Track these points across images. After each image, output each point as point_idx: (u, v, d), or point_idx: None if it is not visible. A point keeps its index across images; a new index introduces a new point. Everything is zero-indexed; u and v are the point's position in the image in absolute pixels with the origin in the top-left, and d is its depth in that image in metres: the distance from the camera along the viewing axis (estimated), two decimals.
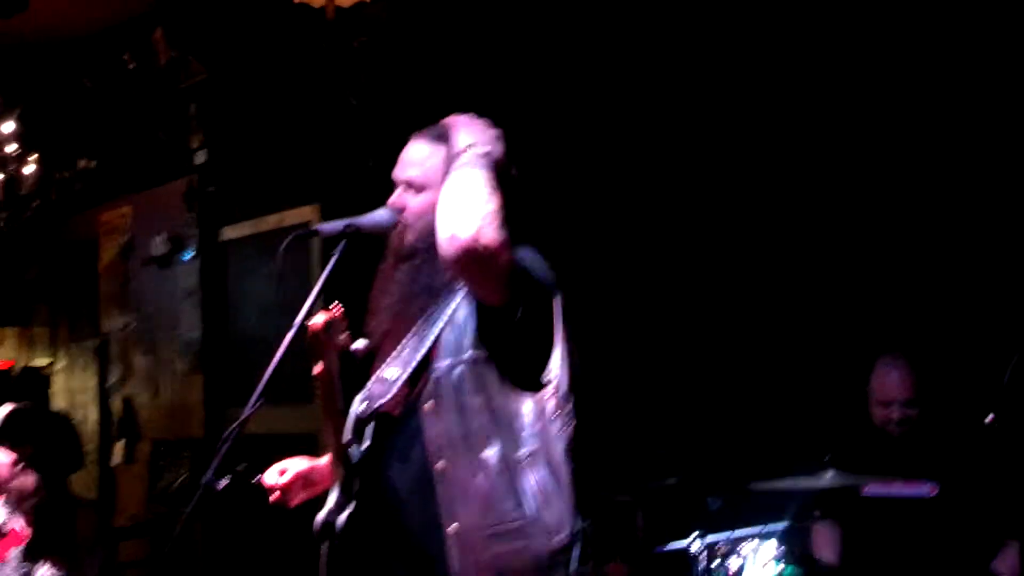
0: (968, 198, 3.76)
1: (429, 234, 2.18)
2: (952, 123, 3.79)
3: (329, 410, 2.24)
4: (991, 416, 2.49)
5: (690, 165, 4.37)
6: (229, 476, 2.04)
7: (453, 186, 2.12)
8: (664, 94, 4.39)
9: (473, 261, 2.04)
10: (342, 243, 2.26)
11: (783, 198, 4.17)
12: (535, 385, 2.16)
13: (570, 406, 2.18)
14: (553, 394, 2.16)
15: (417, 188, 2.30)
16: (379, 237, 2.33)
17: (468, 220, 2.03)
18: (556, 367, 2.18)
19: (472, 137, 2.21)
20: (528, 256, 2.19)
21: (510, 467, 2.12)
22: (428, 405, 2.16)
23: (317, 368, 2.16)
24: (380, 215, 2.31)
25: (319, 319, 2.12)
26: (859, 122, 3.99)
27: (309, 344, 2.13)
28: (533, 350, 2.17)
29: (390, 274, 2.32)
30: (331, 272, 2.23)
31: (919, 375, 3.53)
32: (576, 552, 2.14)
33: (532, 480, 2.11)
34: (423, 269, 2.25)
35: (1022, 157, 3.62)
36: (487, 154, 2.17)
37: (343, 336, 2.14)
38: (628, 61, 4.43)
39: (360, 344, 2.15)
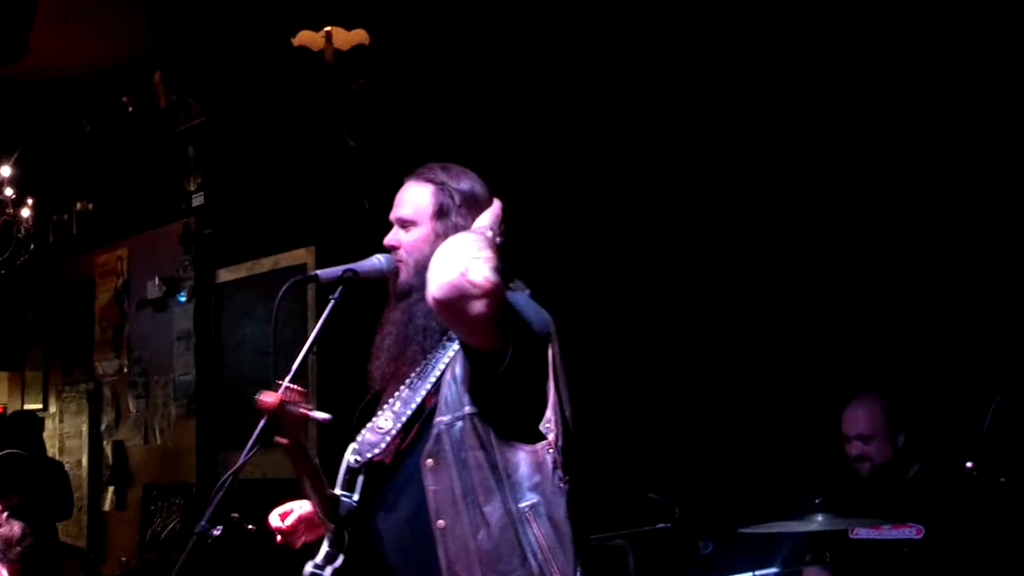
0: (955, 236, 3.77)
1: (422, 271, 2.18)
2: (927, 159, 3.81)
3: (304, 472, 2.18)
4: (970, 464, 2.47)
5: (669, 209, 4.40)
6: (222, 525, 2.03)
7: (449, 240, 2.12)
8: (651, 121, 4.43)
9: (461, 298, 1.99)
10: (339, 288, 2.26)
11: (776, 239, 4.17)
12: (534, 436, 2.12)
13: (562, 457, 2.13)
14: (551, 444, 2.12)
15: (409, 225, 2.32)
16: (377, 282, 2.33)
17: (458, 260, 2.02)
18: (553, 415, 2.14)
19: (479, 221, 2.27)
20: (522, 300, 2.19)
21: (512, 522, 2.09)
22: (429, 462, 2.12)
23: (282, 440, 2.08)
24: (378, 261, 2.32)
25: (271, 398, 2.03)
26: (836, 157, 4.02)
27: (268, 419, 2.04)
28: (529, 399, 2.14)
29: (389, 317, 2.33)
30: (328, 317, 2.24)
31: (887, 414, 3.52)
32: None
33: (534, 534, 2.08)
34: (418, 308, 2.24)
35: (1002, 197, 3.64)
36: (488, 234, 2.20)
37: (302, 408, 2.06)
38: (617, 91, 4.47)
39: (321, 415, 2.08)
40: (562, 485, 2.11)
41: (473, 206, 2.30)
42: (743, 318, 4.23)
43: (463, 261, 2.01)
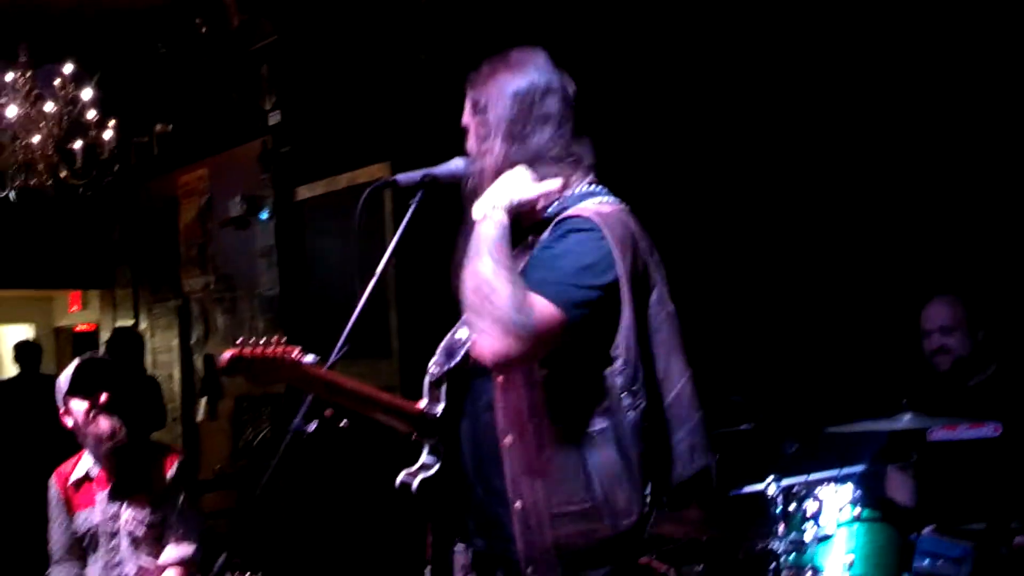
0: None
1: (479, 170, 2.19)
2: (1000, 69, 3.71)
3: (369, 409, 2.14)
4: None
5: (749, 109, 4.35)
6: (317, 421, 2.04)
7: (469, 281, 2.03)
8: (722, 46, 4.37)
9: (519, 358, 1.98)
10: (419, 193, 2.23)
11: (858, 139, 4.12)
12: (604, 360, 2.07)
13: (638, 385, 2.07)
14: (622, 369, 2.07)
15: (478, 109, 2.24)
16: (456, 187, 2.30)
17: (496, 334, 1.95)
18: (624, 340, 2.08)
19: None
20: (570, 267, 2.05)
21: (577, 446, 2.05)
22: (499, 380, 2.09)
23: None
24: (456, 164, 2.27)
25: (226, 354, 1.93)
26: (909, 71, 3.94)
27: (229, 375, 1.98)
28: (602, 323, 2.08)
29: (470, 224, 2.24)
30: (408, 223, 2.21)
31: (967, 309, 3.53)
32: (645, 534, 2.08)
33: (600, 460, 2.04)
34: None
35: None
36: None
37: (298, 359, 1.98)
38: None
39: (309, 357, 2.00)
40: (632, 412, 2.05)
41: (510, 95, 2.19)
42: (826, 215, 4.20)
43: (501, 335, 1.95)
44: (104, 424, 3.41)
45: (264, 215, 6.60)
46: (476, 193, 2.21)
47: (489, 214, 2.06)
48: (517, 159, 2.17)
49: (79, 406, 3.42)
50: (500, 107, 2.20)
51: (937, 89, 3.93)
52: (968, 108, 3.86)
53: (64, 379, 3.45)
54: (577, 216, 2.12)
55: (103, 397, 3.41)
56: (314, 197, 6.32)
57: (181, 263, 7.50)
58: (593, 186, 2.22)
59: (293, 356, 1.86)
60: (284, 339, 1.88)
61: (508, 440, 2.07)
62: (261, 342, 1.86)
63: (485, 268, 2.00)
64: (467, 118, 2.28)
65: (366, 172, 5.78)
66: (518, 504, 2.05)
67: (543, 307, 1.98)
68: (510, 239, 2.04)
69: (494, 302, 1.96)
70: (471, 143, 2.27)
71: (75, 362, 3.49)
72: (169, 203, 7.56)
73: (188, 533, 3.47)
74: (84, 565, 3.50)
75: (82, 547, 3.50)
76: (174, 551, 3.43)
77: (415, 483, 2.13)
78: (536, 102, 2.19)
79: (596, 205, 2.15)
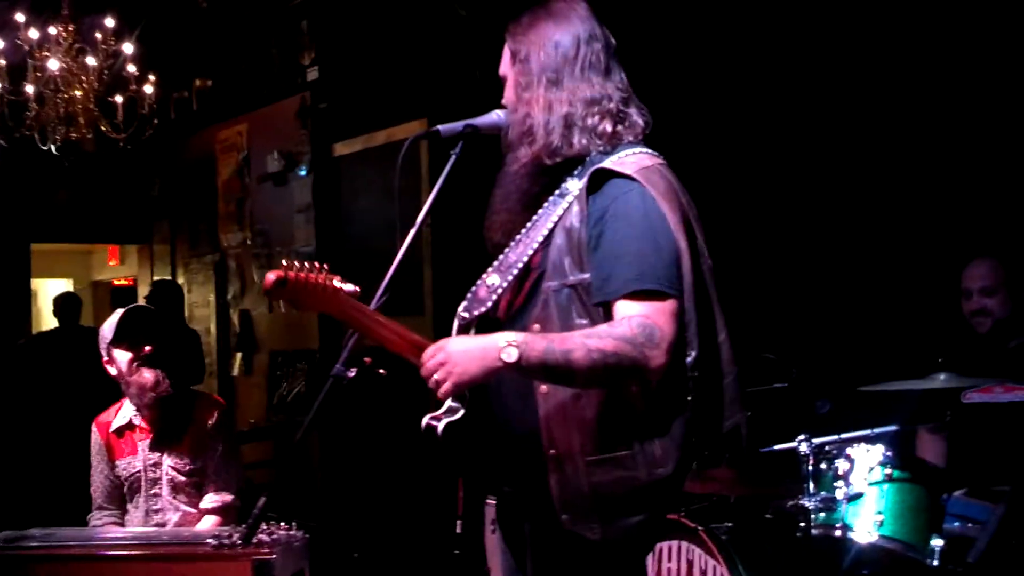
0: None
1: (515, 121, 2.20)
2: None
3: (402, 349, 2.13)
4: None
5: (790, 66, 4.31)
6: (356, 368, 2.05)
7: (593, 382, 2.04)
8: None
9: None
10: (459, 144, 2.24)
11: (899, 100, 4.08)
12: None
13: (691, 333, 2.06)
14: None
15: (518, 59, 2.24)
16: (493, 140, 2.31)
17: (649, 368, 1.98)
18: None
19: None
20: (649, 260, 2.04)
21: (614, 394, 2.04)
22: (535, 327, 2.09)
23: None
24: (497, 115, 2.28)
25: (272, 275, 1.92)
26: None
27: (278, 296, 1.95)
28: None
29: (505, 170, 2.28)
30: (448, 174, 2.22)
31: (1008, 271, 3.52)
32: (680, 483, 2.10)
33: (640, 408, 2.04)
34: (529, 160, 2.19)
35: None
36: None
37: (322, 279, 1.95)
38: None
39: (349, 286, 1.99)
40: (679, 362, 2.05)
41: (552, 44, 2.19)
42: (867, 172, 4.16)
43: (641, 362, 1.98)
44: (147, 375, 3.47)
45: (302, 171, 6.63)
46: (513, 144, 2.23)
47: (508, 354, 1.99)
48: (560, 108, 2.17)
49: (123, 356, 3.48)
50: (542, 56, 2.20)
51: (977, 50, 3.88)
52: (1011, 69, 3.81)
53: (108, 328, 3.50)
54: (617, 173, 2.11)
55: (147, 348, 3.47)
56: (352, 153, 6.35)
57: (219, 219, 7.56)
58: (627, 139, 2.21)
59: (334, 284, 1.88)
60: (327, 267, 1.89)
61: (544, 388, 2.08)
62: (306, 266, 1.87)
63: (583, 364, 1.97)
64: (505, 68, 2.29)
65: (404, 129, 5.79)
66: (553, 451, 2.06)
67: (657, 310, 1.99)
68: (543, 344, 2.00)
69: (621, 365, 1.97)
70: (509, 94, 2.27)
71: (119, 312, 3.54)
72: (207, 158, 7.62)
73: (228, 480, 3.54)
74: (124, 510, 3.58)
75: (122, 493, 3.57)
76: (214, 497, 3.50)
77: (440, 426, 2.13)
78: (579, 51, 2.19)
79: (635, 158, 2.15)
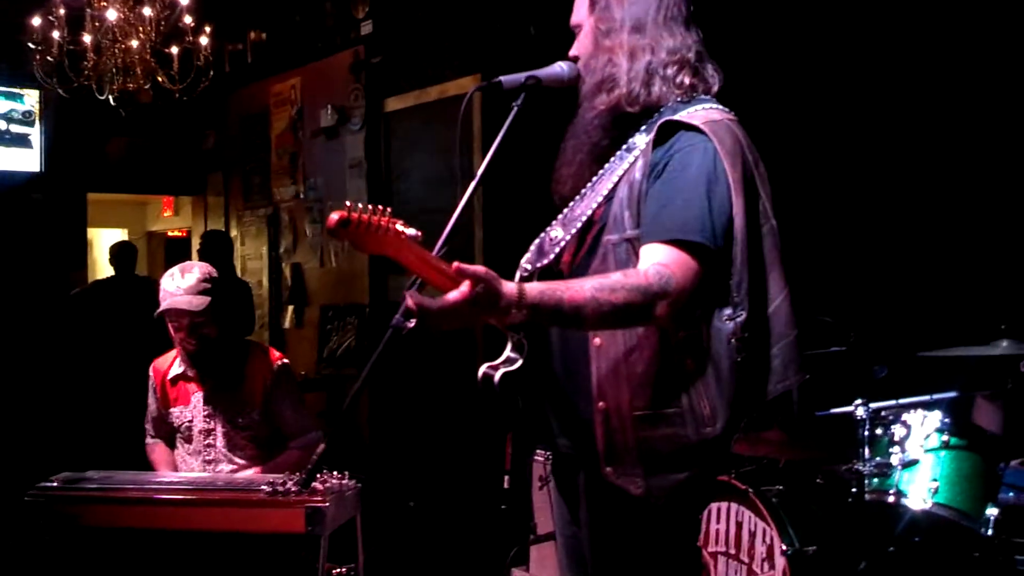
0: None
1: (592, 71, 2.17)
2: None
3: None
4: None
5: (867, 41, 4.23)
6: (416, 319, 2.04)
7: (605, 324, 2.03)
8: None
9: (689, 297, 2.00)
10: (522, 96, 2.20)
11: (968, 68, 3.99)
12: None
13: (741, 295, 2.05)
14: (728, 277, 2.04)
15: (577, 29, 2.25)
16: (558, 91, 2.28)
17: (656, 315, 1.97)
18: (733, 248, 2.05)
19: None
20: (695, 209, 2.02)
21: (667, 350, 2.04)
22: None
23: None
24: (560, 67, 2.25)
25: (336, 214, 1.85)
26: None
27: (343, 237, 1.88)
28: None
29: (573, 123, 2.26)
30: (510, 125, 2.17)
31: None
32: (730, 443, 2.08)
33: (690, 366, 2.04)
34: (595, 113, 2.18)
35: None
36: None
37: (383, 222, 1.88)
38: None
39: (411, 231, 1.92)
40: (730, 322, 2.04)
41: None
42: (932, 134, 4.09)
43: (648, 308, 1.96)
44: (186, 357, 3.53)
45: (354, 126, 6.63)
46: (589, 93, 2.20)
47: (518, 309, 1.94)
48: (643, 56, 2.16)
49: (171, 329, 3.53)
50: (626, 2, 2.19)
51: None
52: None
53: (162, 298, 3.51)
54: (685, 125, 2.09)
55: (188, 338, 3.50)
56: (404, 109, 6.33)
57: (272, 172, 7.60)
58: (701, 94, 2.18)
59: (397, 228, 1.87)
60: (390, 211, 1.88)
61: (598, 341, 2.08)
62: (369, 208, 1.87)
63: (592, 315, 1.95)
64: (580, 16, 2.26)
65: (456, 84, 5.77)
66: (602, 404, 2.06)
67: (681, 262, 1.98)
68: (553, 294, 1.96)
69: (629, 313, 1.96)
70: (585, 42, 2.24)
71: (171, 287, 3.53)
72: (261, 112, 7.64)
73: (306, 425, 3.61)
74: (173, 447, 3.66)
75: (173, 434, 3.63)
76: (294, 442, 3.58)
77: (497, 376, 2.12)
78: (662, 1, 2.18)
79: (705, 112, 2.13)
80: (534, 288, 1.94)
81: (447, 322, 1.91)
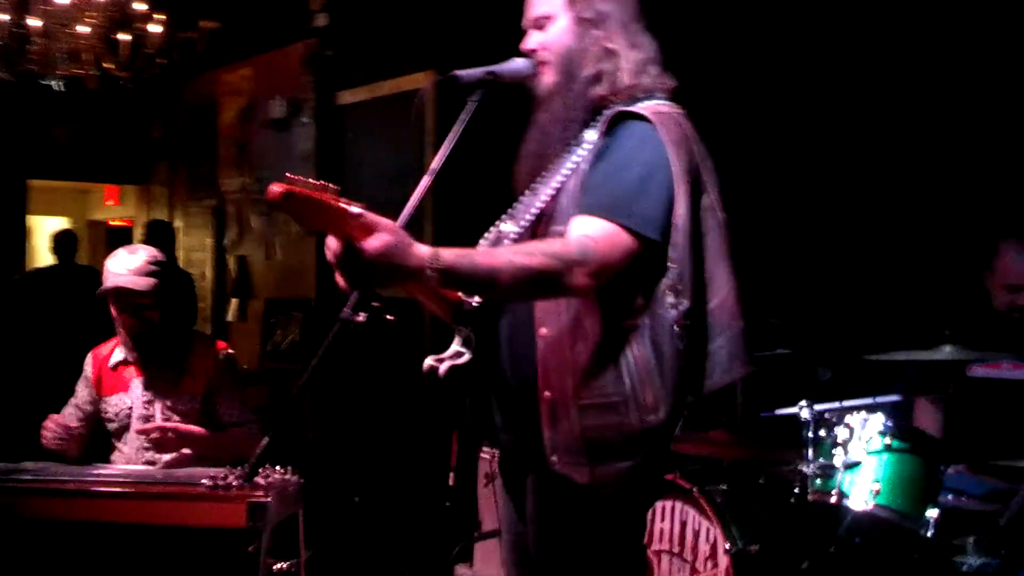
0: None
1: (570, 65, 2.17)
2: None
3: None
4: None
5: (814, 37, 4.27)
6: (366, 313, 1.99)
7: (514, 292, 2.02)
8: None
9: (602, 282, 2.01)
10: (479, 92, 2.17)
11: (906, 70, 4.05)
12: (651, 258, 2.05)
13: (684, 284, 2.07)
14: (669, 268, 2.06)
15: (544, 22, 2.23)
16: (512, 87, 2.27)
17: (571, 284, 1.97)
18: (674, 239, 2.06)
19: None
20: (630, 193, 2.04)
21: (612, 340, 2.05)
22: None
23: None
24: (519, 63, 2.24)
25: (279, 187, 1.79)
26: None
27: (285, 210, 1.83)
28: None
29: (534, 120, 2.26)
30: (466, 122, 2.14)
31: None
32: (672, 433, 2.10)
33: (633, 355, 2.05)
34: (562, 106, 2.18)
35: None
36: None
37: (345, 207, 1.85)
38: None
39: (356, 209, 1.87)
40: (672, 311, 2.06)
41: None
42: (879, 139, 4.14)
43: (561, 276, 1.96)
44: (129, 340, 3.46)
45: (305, 118, 6.57)
46: (558, 87, 2.20)
47: (432, 269, 1.90)
48: (638, 50, 2.18)
49: (113, 311, 3.46)
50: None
51: (994, 23, 3.84)
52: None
53: (104, 278, 3.45)
54: (632, 115, 2.11)
55: (132, 322, 3.44)
56: (356, 103, 6.29)
57: (219, 163, 7.51)
58: (655, 93, 2.19)
59: (340, 204, 1.84)
60: (336, 187, 1.85)
61: (544, 331, 2.09)
62: (311, 182, 1.84)
63: (507, 279, 1.93)
64: (550, 9, 2.24)
65: (410, 80, 5.73)
66: (547, 393, 2.08)
67: (607, 235, 1.99)
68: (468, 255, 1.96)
69: (543, 280, 1.95)
70: (560, 36, 2.22)
71: (115, 268, 3.48)
72: (210, 102, 7.55)
73: (244, 414, 3.55)
74: (79, 443, 3.52)
75: (83, 428, 3.52)
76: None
77: (443, 368, 2.12)
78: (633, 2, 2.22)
79: (654, 105, 2.15)
80: (450, 252, 1.91)
81: (368, 271, 1.85)
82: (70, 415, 3.54)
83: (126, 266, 3.44)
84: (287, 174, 1.86)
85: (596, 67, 2.18)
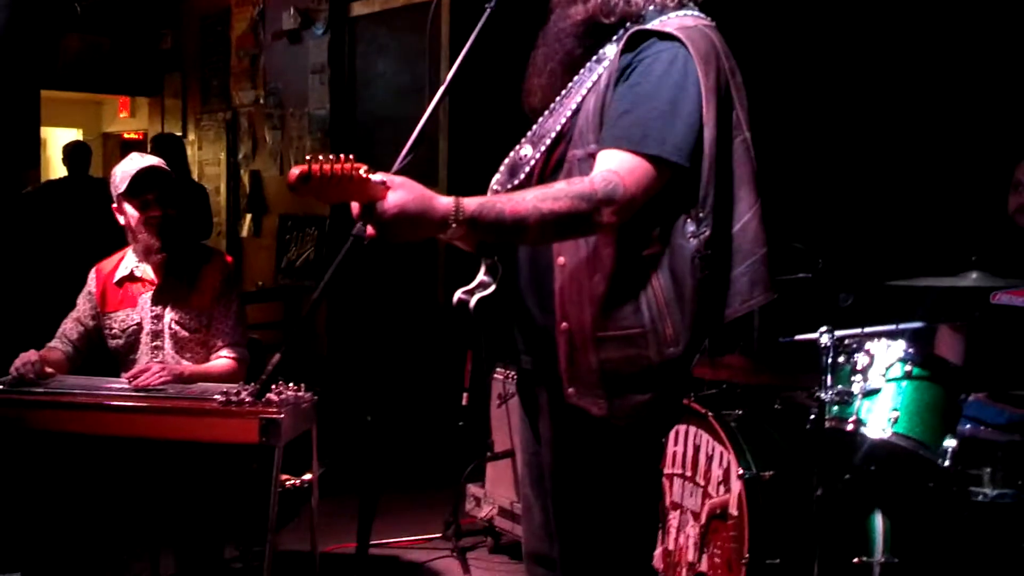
0: None
1: None
2: None
3: None
4: None
5: None
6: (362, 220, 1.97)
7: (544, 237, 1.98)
8: None
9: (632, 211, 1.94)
10: (492, 1, 2.09)
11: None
12: (675, 183, 1.97)
13: (706, 211, 2.00)
14: (692, 193, 1.99)
15: None
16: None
17: (600, 221, 1.91)
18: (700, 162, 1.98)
19: None
20: (658, 114, 1.95)
21: (629, 269, 1.99)
22: None
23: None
24: None
25: (297, 169, 1.79)
26: None
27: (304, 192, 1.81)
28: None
29: (546, 28, 2.16)
30: (481, 29, 2.07)
31: None
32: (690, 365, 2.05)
33: (651, 285, 1.99)
34: (582, 19, 2.09)
35: None
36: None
37: (366, 177, 1.80)
38: None
39: (378, 176, 1.83)
40: (693, 240, 1.99)
41: None
42: (909, 62, 4.03)
43: (590, 214, 1.90)
44: (156, 237, 3.40)
45: (319, 30, 6.45)
46: (564, 1, 2.11)
47: (456, 221, 1.86)
48: None
49: (133, 211, 3.40)
50: None
51: None
52: None
53: (122, 178, 3.40)
54: (657, 32, 2.00)
55: (159, 212, 3.39)
56: (369, 14, 6.17)
57: (231, 75, 7.40)
58: (683, 5, 2.09)
59: (361, 174, 1.80)
60: (351, 156, 1.80)
61: (561, 260, 2.03)
62: (330, 158, 1.79)
63: (535, 225, 1.88)
64: None
65: None
66: (565, 324, 2.02)
67: (634, 168, 1.92)
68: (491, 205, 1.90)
69: (572, 222, 1.91)
70: None
71: (136, 163, 3.43)
72: (222, 11, 7.41)
73: (239, 337, 3.49)
74: (77, 357, 3.49)
75: (85, 342, 3.50)
76: (229, 352, 3.45)
77: (473, 301, 2.09)
78: None
79: (679, 19, 2.05)
80: (472, 201, 1.87)
81: (390, 228, 1.83)
82: (71, 328, 3.50)
83: (143, 160, 3.42)
84: (307, 156, 1.82)
85: None
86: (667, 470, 3.45)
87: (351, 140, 6.31)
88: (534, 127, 2.15)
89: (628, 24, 2.07)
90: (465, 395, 4.12)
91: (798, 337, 3.23)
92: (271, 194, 7.10)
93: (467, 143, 5.36)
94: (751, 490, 3.13)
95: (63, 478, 3.05)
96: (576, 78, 2.11)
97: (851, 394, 3.07)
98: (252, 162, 7.26)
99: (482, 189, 2.17)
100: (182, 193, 3.66)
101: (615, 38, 2.08)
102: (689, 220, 2.00)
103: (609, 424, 2.03)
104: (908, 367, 3.07)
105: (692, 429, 3.38)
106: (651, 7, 2.07)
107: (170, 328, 3.44)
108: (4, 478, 3.08)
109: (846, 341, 3.13)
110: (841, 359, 3.12)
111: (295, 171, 1.77)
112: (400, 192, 1.82)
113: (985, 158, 3.72)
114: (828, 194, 4.14)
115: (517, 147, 2.16)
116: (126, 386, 3.21)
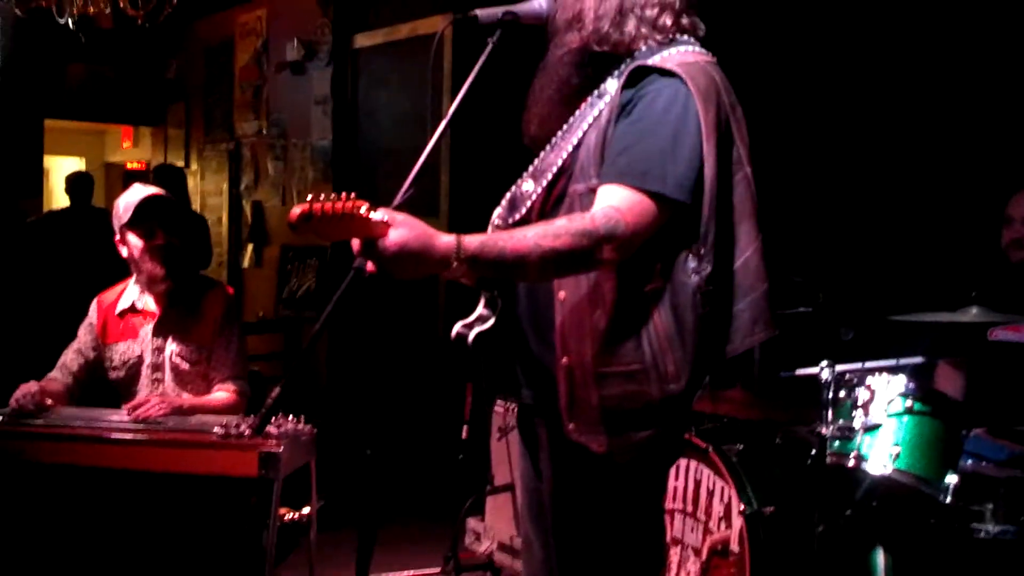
0: None
1: (582, 4, 2.08)
2: None
3: None
4: None
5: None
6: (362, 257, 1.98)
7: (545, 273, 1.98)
8: None
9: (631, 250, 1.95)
10: (497, 32, 2.13)
11: (930, 33, 3.95)
12: (675, 220, 1.97)
13: (707, 247, 1.99)
14: (693, 229, 1.98)
15: None
16: (533, 29, 2.18)
17: (602, 257, 1.92)
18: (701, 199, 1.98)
19: None
20: (655, 158, 1.95)
21: (631, 304, 1.98)
22: None
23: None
24: (539, 2, 2.16)
25: (298, 208, 1.81)
26: None
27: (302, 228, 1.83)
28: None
29: (547, 60, 2.17)
30: (484, 63, 2.10)
31: None
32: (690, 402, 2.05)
33: (654, 322, 1.98)
34: (576, 48, 2.10)
35: None
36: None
37: (366, 215, 1.81)
38: None
39: (379, 215, 1.84)
40: (695, 276, 1.99)
41: None
42: (908, 98, 4.05)
43: (591, 252, 1.91)
44: (160, 266, 3.40)
45: (321, 61, 6.49)
46: (559, 30, 2.12)
47: (457, 260, 1.88)
48: None
49: (137, 241, 3.41)
50: None
51: None
52: None
53: (125, 209, 3.40)
54: (658, 69, 2.01)
55: (163, 240, 3.39)
56: (372, 46, 6.20)
57: (235, 106, 7.43)
58: (682, 36, 2.10)
59: (362, 212, 1.80)
60: (353, 195, 1.81)
61: (562, 295, 2.03)
62: (331, 197, 1.80)
63: (535, 263, 1.90)
64: None
65: (428, 23, 5.65)
66: (565, 360, 2.01)
67: (635, 204, 1.92)
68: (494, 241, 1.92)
69: (573, 260, 1.92)
70: None
71: (138, 193, 3.44)
72: (226, 42, 7.46)
73: (239, 371, 3.49)
74: (77, 388, 3.47)
75: (85, 374, 3.49)
76: (229, 386, 3.44)
77: (471, 335, 2.10)
78: None
79: (680, 55, 2.05)
80: (473, 239, 1.88)
81: (391, 265, 1.85)
82: (71, 359, 3.50)
83: (146, 190, 3.44)
84: (308, 193, 1.83)
85: (572, 11, 2.10)
86: (668, 505, 3.43)
87: (353, 171, 6.34)
88: (536, 161, 2.16)
89: (625, 58, 2.08)
90: (465, 428, 4.10)
91: (799, 371, 3.23)
92: (273, 225, 7.12)
93: (468, 176, 5.38)
94: (752, 526, 3.11)
95: (62, 510, 3.03)
96: (577, 112, 2.11)
97: (852, 429, 3.06)
98: (254, 192, 7.29)
99: (483, 221, 2.19)
100: (185, 222, 3.67)
101: (616, 73, 2.08)
102: (690, 256, 2.00)
103: (610, 460, 2.02)
104: (909, 402, 3.07)
105: (693, 463, 3.37)
106: (642, 40, 2.08)
107: (171, 360, 3.43)
108: (3, 510, 3.06)
109: (847, 376, 3.13)
110: (842, 394, 3.12)
111: (296, 210, 1.79)
112: (401, 230, 1.83)
113: (983, 193, 3.72)
114: (829, 228, 4.15)
115: (519, 181, 2.17)
116: (125, 418, 3.20)
